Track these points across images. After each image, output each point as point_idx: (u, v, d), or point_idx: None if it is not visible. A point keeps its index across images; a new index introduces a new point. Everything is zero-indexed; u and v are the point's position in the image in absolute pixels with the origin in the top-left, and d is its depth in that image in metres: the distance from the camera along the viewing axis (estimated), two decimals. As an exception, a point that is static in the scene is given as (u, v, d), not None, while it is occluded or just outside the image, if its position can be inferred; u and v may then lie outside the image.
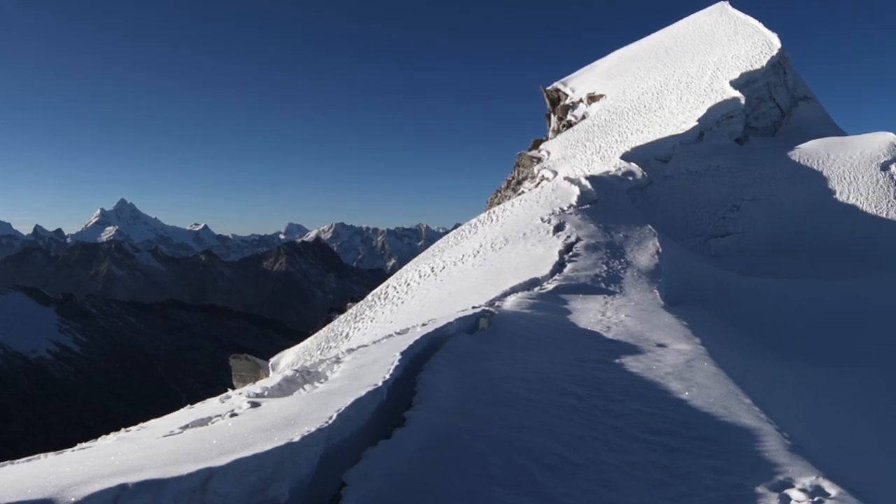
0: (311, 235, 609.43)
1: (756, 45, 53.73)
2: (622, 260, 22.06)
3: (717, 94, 47.06)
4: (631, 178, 35.76)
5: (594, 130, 49.26)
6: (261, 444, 5.52)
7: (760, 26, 57.48)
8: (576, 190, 30.42)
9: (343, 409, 6.60)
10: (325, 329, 28.50)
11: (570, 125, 56.14)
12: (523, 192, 42.14)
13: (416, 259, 31.74)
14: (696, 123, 42.64)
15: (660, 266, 21.90)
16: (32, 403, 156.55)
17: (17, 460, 7.15)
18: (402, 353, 9.11)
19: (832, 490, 6.40)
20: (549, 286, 18.52)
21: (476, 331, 12.58)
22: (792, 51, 55.92)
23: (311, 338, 28.66)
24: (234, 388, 17.46)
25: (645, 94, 53.08)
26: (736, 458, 7.23)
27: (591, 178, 32.65)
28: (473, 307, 15.32)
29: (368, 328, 24.33)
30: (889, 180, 40.40)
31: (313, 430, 5.93)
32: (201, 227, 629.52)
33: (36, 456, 7.43)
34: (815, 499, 6.29)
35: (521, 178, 48.40)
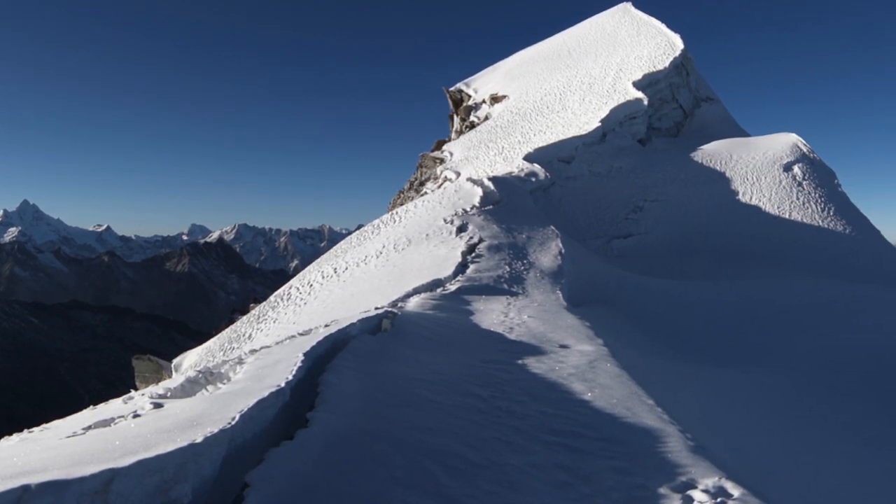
0: (214, 236, 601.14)
1: (659, 45, 54.65)
2: (525, 261, 22.29)
3: (619, 94, 47.69)
4: (534, 179, 36.09)
5: (497, 131, 49.65)
6: (163, 445, 5.53)
7: (663, 27, 58.48)
8: (478, 191, 30.71)
9: (246, 409, 6.63)
10: (227, 330, 28.37)
11: (472, 126, 56.47)
12: (426, 192, 42.23)
13: (318, 260, 31.72)
14: (599, 124, 43.16)
15: (562, 267, 22.17)
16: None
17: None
18: (305, 354, 9.15)
19: (735, 491, 6.56)
20: (452, 287, 18.68)
21: (379, 332, 12.64)
22: (695, 52, 57.19)
23: (214, 339, 28.55)
24: (136, 389, 17.35)
25: (548, 95, 53.57)
26: (639, 458, 7.35)
27: (493, 179, 32.99)
28: (376, 308, 15.37)
29: (271, 329, 24.30)
30: (792, 181, 41.40)
31: (216, 430, 5.97)
32: (104, 228, 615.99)
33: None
34: (718, 499, 6.42)
35: (423, 178, 48.66)
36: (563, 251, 23.87)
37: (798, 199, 40.15)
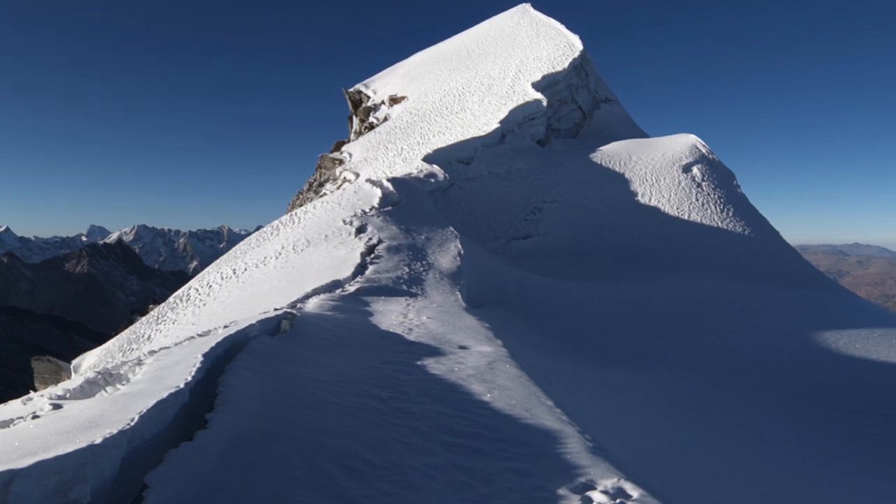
0: (114, 237, 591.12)
1: (558, 46, 55.31)
2: (424, 262, 22.51)
3: (518, 96, 48.27)
4: (433, 180, 36.43)
5: (396, 132, 49.95)
6: (63, 447, 5.50)
7: (562, 28, 59.18)
8: (378, 192, 30.92)
9: (145, 411, 6.61)
10: (127, 331, 28.07)
11: (372, 127, 56.67)
12: (325, 194, 42.38)
13: (218, 261, 31.59)
14: (498, 125, 43.70)
15: (461, 268, 22.41)
16: None
17: None
18: (204, 356, 9.12)
19: (634, 492, 6.66)
20: (351, 288, 18.77)
21: (278, 333, 12.68)
22: (594, 53, 58.19)
23: (114, 340, 28.23)
24: (36, 391, 17.28)
25: (447, 96, 54.02)
26: (538, 460, 7.41)
27: (392, 181, 33.28)
28: (275, 309, 15.30)
29: (170, 330, 24.16)
30: (691, 182, 42.15)
31: (115, 432, 5.94)
32: (3, 229, 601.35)
33: None
34: (617, 500, 6.51)
35: (323, 180, 48.78)
36: (462, 252, 24.12)
37: (697, 199, 40.88)
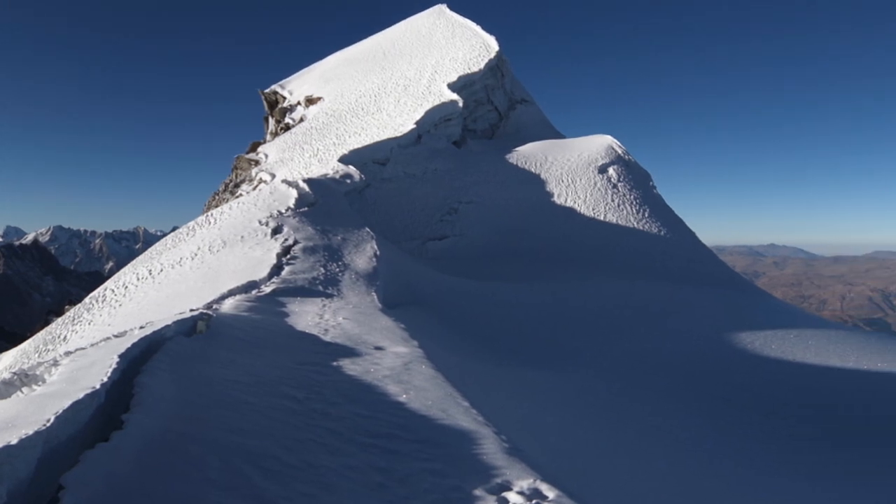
0: (29, 238, 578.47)
1: (474, 47, 55.60)
2: (340, 263, 22.55)
3: (434, 96, 48.45)
4: (349, 181, 36.48)
5: (312, 133, 49.93)
6: None
7: (478, 29, 59.46)
8: (293, 193, 30.95)
9: (61, 411, 6.56)
10: (43, 332, 27.78)
11: (288, 128, 56.52)
12: (241, 194, 42.04)
13: (134, 262, 31.18)
14: (414, 126, 43.83)
15: (377, 269, 22.50)
16: None
17: None
18: (120, 356, 9.02)
19: (550, 493, 6.73)
20: (267, 289, 18.70)
21: (194, 334, 12.58)
22: (510, 53, 58.69)
23: (29, 340, 28.00)
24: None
25: (363, 97, 54.03)
26: (454, 461, 7.44)
27: (308, 181, 33.23)
28: (191, 310, 15.17)
29: (86, 331, 23.85)
30: (607, 183, 42.76)
31: (31, 432, 5.90)
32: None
33: None
34: (533, 501, 6.57)
35: (239, 180, 48.59)
36: (377, 253, 24.23)
37: (613, 200, 41.46)
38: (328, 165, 39.76)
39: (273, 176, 42.90)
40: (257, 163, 48.23)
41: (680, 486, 13.06)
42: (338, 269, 21.85)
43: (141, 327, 12.94)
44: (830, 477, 15.74)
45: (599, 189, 42.83)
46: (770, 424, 18.73)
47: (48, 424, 6.24)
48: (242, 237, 26.01)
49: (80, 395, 7.13)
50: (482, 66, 52.42)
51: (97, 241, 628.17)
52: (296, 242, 24.28)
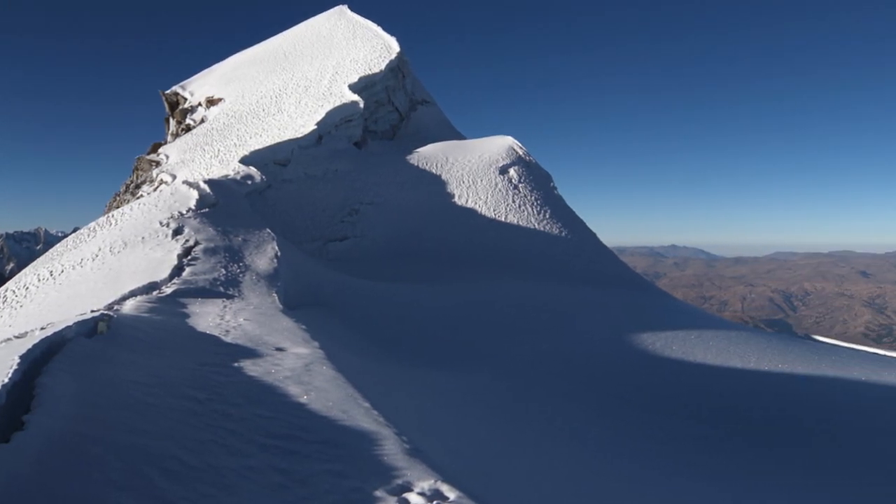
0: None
1: (375, 48, 55.80)
2: (241, 264, 22.42)
3: (335, 97, 48.57)
4: (250, 182, 36.45)
5: (213, 134, 49.58)
6: None
7: (379, 30, 59.65)
8: (194, 194, 30.75)
9: None
10: (-57, 333, 27.18)
11: (189, 129, 55.94)
12: (142, 195, 41.60)
13: (34, 263, 30.78)
14: (315, 127, 43.99)
15: (278, 270, 22.44)
16: None
17: None
18: (21, 357, 8.86)
19: (451, 494, 6.75)
20: (168, 290, 18.50)
21: (95, 335, 12.34)
22: (411, 54, 58.98)
23: (-70, 342, 27.29)
24: None
25: (264, 98, 53.90)
26: (355, 462, 7.45)
27: (209, 182, 33.15)
28: (92, 311, 14.78)
29: None
30: (508, 184, 43.09)
31: None
32: None
33: None
34: (434, 502, 6.61)
35: (140, 181, 48.08)
36: (278, 254, 24.18)
37: (514, 201, 41.83)
38: (229, 166, 39.61)
39: (174, 177, 42.41)
40: (158, 164, 47.59)
41: (580, 487, 13.14)
42: (239, 270, 21.75)
43: (42, 328, 12.85)
44: (730, 477, 15.97)
45: (500, 190, 43.16)
46: (671, 425, 18.86)
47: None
48: (143, 238, 25.74)
49: (-20, 397, 6.99)
50: (383, 66, 52.67)
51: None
52: (197, 243, 24.14)
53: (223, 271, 21.42)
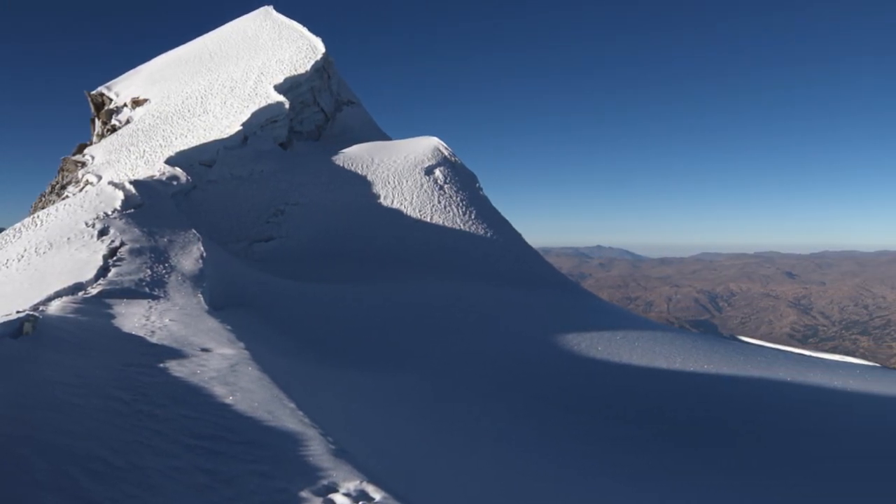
0: None
1: (300, 49, 55.88)
2: (166, 264, 22.33)
3: (261, 98, 48.54)
4: (175, 183, 36.21)
5: (138, 135, 49.07)
6: None
7: (305, 31, 59.73)
8: (120, 195, 30.53)
9: None
10: None
11: (114, 130, 55.31)
12: (68, 196, 41.15)
13: None
14: (240, 128, 43.90)
15: (204, 270, 22.42)
16: None
17: None
18: None
19: (376, 494, 6.72)
20: (94, 291, 18.39)
21: (20, 335, 12.14)
22: (336, 55, 59.23)
23: None
24: None
25: (189, 99, 53.54)
26: (280, 462, 7.37)
27: (135, 183, 32.83)
28: (17, 311, 14.57)
29: None
30: (433, 184, 43.22)
31: None
32: None
33: None
34: (360, 503, 6.57)
35: (65, 182, 47.60)
36: (204, 255, 24.15)
37: (440, 202, 41.96)
38: (155, 167, 39.24)
39: (99, 178, 42.05)
40: (84, 164, 47.10)
41: (504, 487, 13.07)
42: (164, 271, 21.68)
43: (-33, 330, 12.54)
44: (655, 477, 16.02)
45: (426, 191, 43.38)
46: (596, 425, 18.91)
47: None
48: (69, 239, 25.55)
49: None
50: (308, 67, 52.77)
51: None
52: (122, 244, 24.03)
53: (149, 272, 21.33)
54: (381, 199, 42.45)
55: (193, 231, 27.56)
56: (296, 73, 52.20)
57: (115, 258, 22.63)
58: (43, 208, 38.94)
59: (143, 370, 10.77)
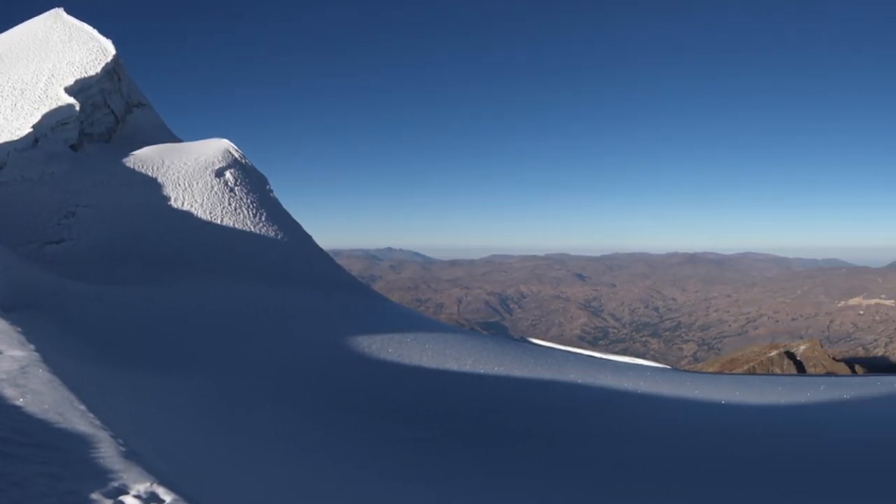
0: None
1: (91, 51, 54.29)
2: None
3: (51, 100, 46.95)
4: None
5: (-74, 136, 46.93)
6: None
7: (95, 33, 57.87)
8: None
9: None
10: None
11: None
12: None
13: None
14: (31, 130, 42.48)
15: None
16: None
17: None
18: None
19: (166, 496, 6.59)
20: None
21: None
22: (126, 57, 58.27)
23: None
24: None
25: None
26: (71, 464, 7.10)
27: None
28: None
29: None
30: (224, 187, 43.06)
31: None
32: None
33: None
34: None
35: None
36: None
37: (230, 204, 41.93)
38: (-58, 168, 37.01)
39: None
40: None
41: (292, 490, 12.98)
42: None
43: None
44: (442, 477, 15.88)
45: (216, 193, 43.28)
46: (386, 426, 18.70)
47: None
48: None
49: None
50: (98, 69, 51.56)
51: None
52: None
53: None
54: (172, 202, 42.01)
55: (-18, 233, 25.55)
56: (86, 76, 50.81)
57: None
58: None
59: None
